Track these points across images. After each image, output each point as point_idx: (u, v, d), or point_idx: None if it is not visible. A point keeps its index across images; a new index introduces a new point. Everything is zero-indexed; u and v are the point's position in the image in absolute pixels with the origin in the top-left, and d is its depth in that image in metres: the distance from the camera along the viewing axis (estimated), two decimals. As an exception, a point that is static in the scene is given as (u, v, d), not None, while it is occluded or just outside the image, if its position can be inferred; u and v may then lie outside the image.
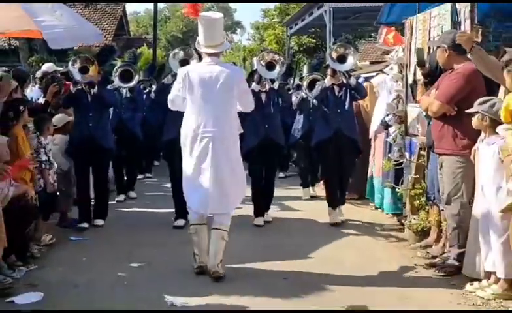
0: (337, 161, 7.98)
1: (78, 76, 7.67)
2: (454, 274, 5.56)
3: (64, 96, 7.85)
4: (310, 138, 8.57)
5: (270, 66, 7.87)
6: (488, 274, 5.13)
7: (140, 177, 11.36)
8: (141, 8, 62.53)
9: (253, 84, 7.84)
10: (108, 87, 8.62)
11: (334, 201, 8.04)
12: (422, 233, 6.66)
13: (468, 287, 5.19)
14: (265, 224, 7.83)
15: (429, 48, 6.63)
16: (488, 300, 4.88)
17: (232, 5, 64.44)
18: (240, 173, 5.80)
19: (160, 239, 6.95)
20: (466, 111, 5.31)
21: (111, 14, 26.73)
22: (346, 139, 7.87)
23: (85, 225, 7.56)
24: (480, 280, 5.21)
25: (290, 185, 10.81)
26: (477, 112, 5.17)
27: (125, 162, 9.89)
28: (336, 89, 7.92)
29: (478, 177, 5.25)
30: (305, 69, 10.68)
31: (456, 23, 6.20)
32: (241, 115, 6.21)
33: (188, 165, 5.69)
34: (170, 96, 5.95)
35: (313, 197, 9.82)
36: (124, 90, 9.60)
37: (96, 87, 7.70)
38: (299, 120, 9.78)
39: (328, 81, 7.95)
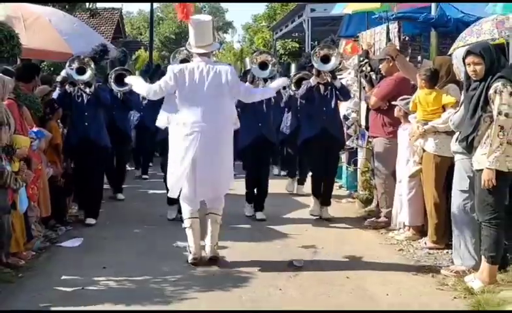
0: (322, 158, 8.10)
1: (75, 77, 7.86)
2: (385, 227, 7.50)
3: (59, 95, 8.05)
4: (298, 135, 8.67)
5: (263, 65, 8.05)
6: (404, 224, 7.07)
7: (137, 174, 12.10)
8: (134, 8, 63.60)
9: (246, 83, 7.87)
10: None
11: (318, 192, 8.21)
12: (367, 202, 8.58)
13: (390, 234, 7.16)
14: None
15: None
16: (401, 241, 6.82)
17: (224, 5, 65.45)
18: (228, 165, 6.13)
19: (164, 213, 8.32)
20: (388, 104, 7.25)
21: (109, 18, 28.46)
22: (331, 137, 7.98)
23: (93, 221, 7.87)
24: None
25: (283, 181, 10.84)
26: (396, 105, 7.11)
27: (116, 162, 10.02)
28: (322, 87, 7.99)
29: (398, 154, 7.19)
30: (293, 67, 11.14)
31: (389, 39, 8.16)
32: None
33: (177, 157, 5.98)
34: (154, 86, 6.18)
35: (300, 195, 9.92)
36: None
37: (92, 87, 7.90)
38: (287, 118, 9.88)
39: (313, 81, 8.03)
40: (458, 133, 5.52)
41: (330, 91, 7.96)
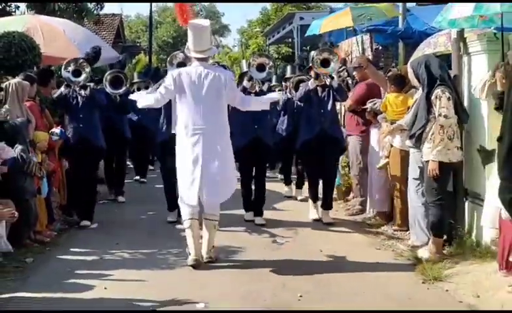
0: (320, 160, 8.16)
1: (72, 79, 7.97)
2: (359, 214, 8.59)
3: (55, 97, 8.15)
4: (294, 138, 8.67)
5: (261, 68, 8.12)
6: (373, 210, 8.19)
7: (136, 178, 12.04)
8: (132, 12, 64.56)
9: (245, 81, 8.16)
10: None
11: (316, 196, 8.37)
12: (346, 192, 9.68)
13: (363, 219, 8.26)
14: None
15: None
16: (371, 225, 7.93)
17: (220, 9, 66.50)
18: (229, 166, 6.24)
19: (159, 208, 8.98)
20: (362, 107, 8.35)
21: (109, 24, 29.44)
22: (329, 138, 8.04)
23: (88, 223, 7.97)
24: (371, 214, 8.31)
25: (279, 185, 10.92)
26: (367, 108, 8.22)
27: (115, 163, 10.22)
28: (319, 90, 8.09)
29: (369, 149, 8.30)
30: (288, 70, 11.36)
31: (363, 48, 9.30)
32: (232, 116, 6.72)
33: (181, 160, 6.14)
34: (156, 95, 6.32)
35: (301, 200, 9.87)
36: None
37: (88, 89, 8.04)
38: (283, 121, 9.92)
39: (311, 83, 8.11)
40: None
41: (327, 93, 8.07)
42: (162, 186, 8.58)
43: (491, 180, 5.84)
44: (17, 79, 7.41)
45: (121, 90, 8.97)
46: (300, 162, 9.83)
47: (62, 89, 8.06)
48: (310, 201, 8.44)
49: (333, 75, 7.96)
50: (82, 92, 8.00)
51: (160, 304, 5.08)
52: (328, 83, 8.02)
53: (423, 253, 6.30)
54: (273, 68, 8.52)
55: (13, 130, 6.74)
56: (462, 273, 5.68)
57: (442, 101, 6.03)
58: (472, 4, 5.65)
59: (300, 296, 5.24)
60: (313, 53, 8.43)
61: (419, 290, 5.45)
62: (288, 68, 11.66)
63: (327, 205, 8.26)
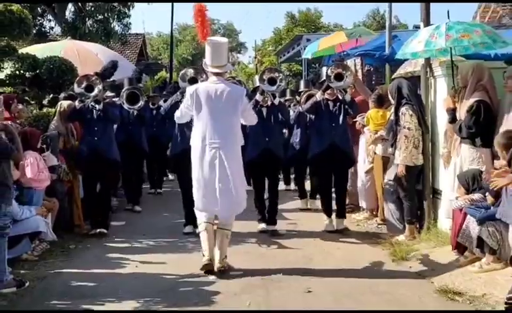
0: (332, 173, 8.47)
1: (86, 94, 8.26)
2: (353, 211, 9.83)
3: (70, 111, 8.48)
4: (307, 151, 8.80)
5: (272, 82, 8.28)
6: (362, 208, 9.50)
7: (150, 191, 12.13)
8: (153, 29, 66.25)
9: (257, 95, 8.31)
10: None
11: (329, 210, 8.57)
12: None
13: (353, 215, 9.53)
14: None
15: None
16: (359, 220, 9.21)
17: (237, 27, 68.29)
18: (241, 180, 6.49)
19: (178, 211, 9.69)
20: (352, 120, 9.66)
21: (133, 43, 31.10)
22: (340, 151, 8.30)
23: (104, 230, 8.35)
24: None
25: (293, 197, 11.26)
26: (356, 121, 9.54)
27: (134, 174, 10.43)
28: (331, 104, 8.35)
29: (358, 156, 9.61)
30: (302, 84, 11.66)
31: (356, 71, 10.63)
32: (244, 128, 6.83)
33: (197, 173, 6.34)
34: (177, 113, 6.65)
35: (313, 210, 10.16)
36: None
37: (101, 104, 8.33)
38: (296, 134, 10.03)
39: (318, 96, 8.40)
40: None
41: (338, 107, 8.32)
42: (176, 191, 9.17)
43: (446, 179, 7.18)
44: (67, 102, 8.73)
45: (136, 106, 9.36)
46: (312, 173, 9.92)
47: (76, 103, 8.44)
48: (326, 217, 8.60)
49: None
50: (97, 106, 8.33)
51: (181, 277, 6.45)
52: (340, 97, 8.32)
53: (401, 238, 7.64)
54: (284, 81, 8.70)
55: (44, 141, 7.99)
56: (425, 254, 7.02)
57: (405, 117, 7.48)
58: (423, 42, 7.03)
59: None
60: (325, 68, 8.97)
61: (389, 266, 6.81)
62: (302, 82, 12.03)
63: (341, 214, 8.55)
